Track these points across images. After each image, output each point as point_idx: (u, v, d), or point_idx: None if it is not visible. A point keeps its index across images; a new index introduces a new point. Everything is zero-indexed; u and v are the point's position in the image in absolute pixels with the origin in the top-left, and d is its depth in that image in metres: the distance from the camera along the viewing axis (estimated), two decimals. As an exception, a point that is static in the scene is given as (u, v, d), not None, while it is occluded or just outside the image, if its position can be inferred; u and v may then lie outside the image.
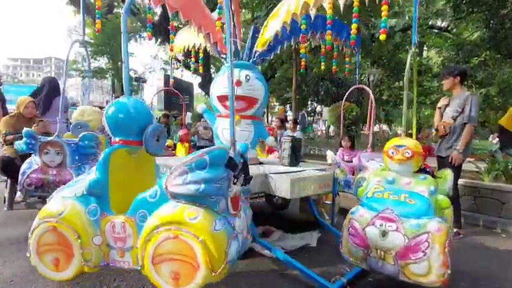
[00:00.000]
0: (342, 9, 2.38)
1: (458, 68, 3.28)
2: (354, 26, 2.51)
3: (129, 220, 1.46)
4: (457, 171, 3.11)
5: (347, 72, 4.03)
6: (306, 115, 11.40)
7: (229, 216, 1.45)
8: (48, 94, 3.88)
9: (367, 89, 3.65)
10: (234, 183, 1.46)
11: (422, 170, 1.93)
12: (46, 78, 4.31)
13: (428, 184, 1.77)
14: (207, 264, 1.28)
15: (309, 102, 18.20)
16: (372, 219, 1.73)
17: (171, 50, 3.79)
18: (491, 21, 8.20)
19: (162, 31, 9.91)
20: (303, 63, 3.95)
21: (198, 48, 3.70)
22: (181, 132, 4.02)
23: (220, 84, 2.88)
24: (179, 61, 13.29)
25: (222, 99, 2.87)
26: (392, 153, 1.85)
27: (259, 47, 2.93)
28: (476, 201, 3.89)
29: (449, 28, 11.31)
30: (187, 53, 3.90)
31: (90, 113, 3.02)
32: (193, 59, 3.97)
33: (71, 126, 3.52)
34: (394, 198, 1.76)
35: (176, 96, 13.10)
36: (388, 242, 1.65)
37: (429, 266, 1.55)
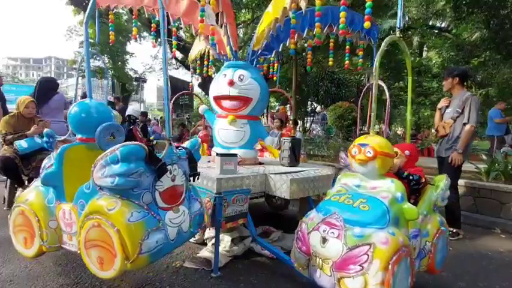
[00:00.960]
0: None
1: (458, 68, 3.29)
2: (342, 14, 2.36)
3: (74, 208, 1.64)
4: (457, 172, 3.11)
5: (360, 67, 3.65)
6: (326, 115, 10.79)
7: (157, 209, 1.53)
8: (42, 92, 3.86)
9: (384, 86, 3.27)
10: (158, 178, 1.52)
11: (401, 174, 1.80)
12: (43, 77, 4.34)
13: (394, 190, 1.53)
14: (122, 252, 1.38)
15: (309, 103, 18.19)
16: (318, 224, 1.55)
17: (174, 55, 3.96)
18: (491, 22, 8.21)
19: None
20: (308, 59, 3.71)
21: (208, 52, 3.81)
22: (201, 133, 4.07)
23: (216, 84, 2.89)
24: (179, 61, 13.28)
25: (217, 99, 2.88)
26: (355, 152, 1.62)
27: (255, 47, 2.93)
28: (476, 201, 3.90)
29: (449, 29, 11.31)
30: (201, 58, 4.10)
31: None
32: (206, 62, 4.14)
33: None
34: (348, 202, 1.56)
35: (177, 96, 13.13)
36: (327, 249, 1.46)
37: (365, 283, 1.32)
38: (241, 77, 2.74)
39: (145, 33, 13.75)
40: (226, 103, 2.82)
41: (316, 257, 1.52)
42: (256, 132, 2.88)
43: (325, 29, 3.04)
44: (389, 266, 1.31)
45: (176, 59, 12.78)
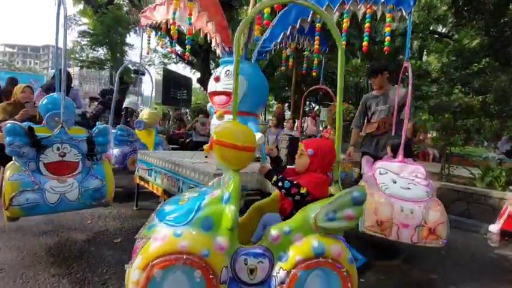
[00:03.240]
0: None
1: (381, 64, 3.12)
2: None
3: None
4: None
5: (387, 48, 2.60)
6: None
7: (39, 176, 1.99)
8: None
9: (410, 69, 2.54)
10: (40, 152, 1.99)
11: (270, 176, 1.45)
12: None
13: (226, 188, 1.31)
14: (3, 202, 1.90)
15: (307, 103, 18.21)
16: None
17: (187, 57, 4.14)
18: (491, 29, 8.25)
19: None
20: (316, 45, 3.15)
21: None
22: None
23: (211, 81, 2.93)
24: (179, 55, 13.19)
25: (209, 95, 2.94)
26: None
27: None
28: (469, 206, 3.94)
29: (450, 34, 11.35)
30: None
31: (147, 114, 3.70)
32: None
33: (135, 121, 4.27)
34: (183, 196, 1.45)
35: (175, 91, 13.03)
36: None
37: (128, 276, 1.19)
38: (227, 72, 2.78)
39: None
40: (215, 99, 2.88)
41: None
42: None
43: (336, 8, 2.61)
44: (148, 267, 1.14)
45: (177, 53, 12.68)
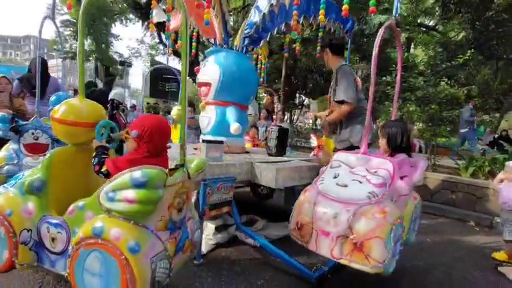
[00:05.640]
0: None
1: (325, 41, 2.68)
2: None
3: None
4: None
5: (373, 8, 2.12)
6: (473, 110, 7.98)
7: (20, 154, 2.46)
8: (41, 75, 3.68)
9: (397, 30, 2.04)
10: (18, 135, 2.45)
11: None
12: (35, 59, 4.09)
13: None
14: None
15: (297, 95, 18.21)
16: None
17: (194, 55, 4.24)
18: (477, 23, 8.39)
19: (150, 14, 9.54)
20: (294, 18, 2.70)
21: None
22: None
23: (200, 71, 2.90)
24: (167, 46, 12.92)
25: (198, 86, 2.90)
26: None
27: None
28: (454, 195, 4.05)
29: (436, 27, 11.49)
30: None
31: (176, 111, 4.01)
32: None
33: (166, 118, 4.44)
34: None
35: (163, 83, 12.79)
36: None
37: None
38: (205, 63, 2.78)
39: (131, 16, 13.27)
40: (201, 89, 2.89)
41: None
42: (224, 118, 2.78)
43: (311, 19, 2.81)
44: None
45: (164, 44, 12.42)
